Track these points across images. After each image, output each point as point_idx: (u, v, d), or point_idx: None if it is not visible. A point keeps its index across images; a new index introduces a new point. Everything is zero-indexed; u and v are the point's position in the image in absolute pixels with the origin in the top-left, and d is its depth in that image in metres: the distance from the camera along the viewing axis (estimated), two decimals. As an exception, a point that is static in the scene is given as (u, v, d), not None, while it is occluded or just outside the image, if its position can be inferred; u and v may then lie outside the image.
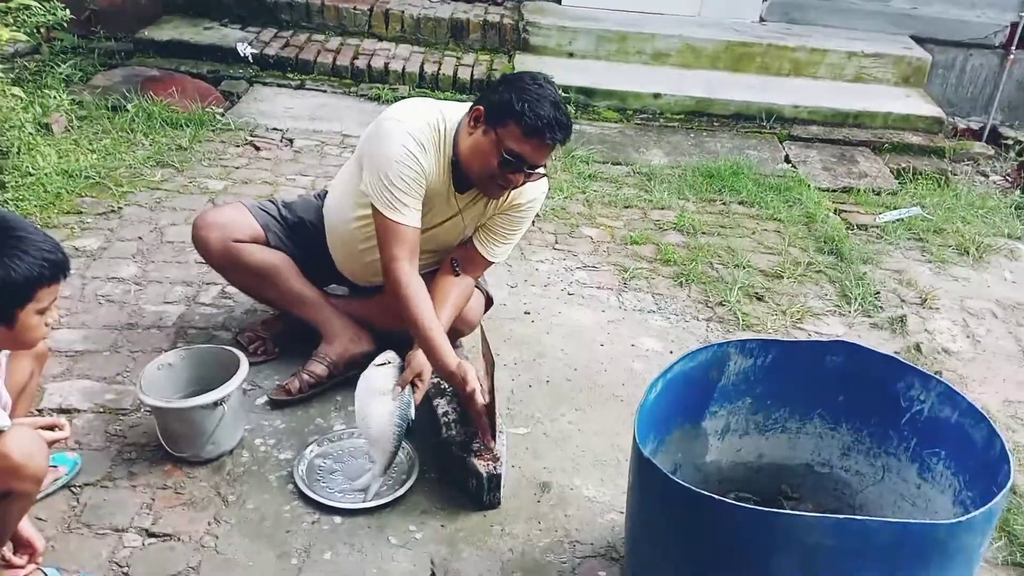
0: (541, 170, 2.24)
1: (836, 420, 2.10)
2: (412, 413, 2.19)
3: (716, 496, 1.54)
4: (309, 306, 2.59)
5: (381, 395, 2.18)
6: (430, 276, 2.54)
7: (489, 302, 2.72)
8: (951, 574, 1.56)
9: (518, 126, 2.11)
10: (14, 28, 3.89)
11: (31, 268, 1.62)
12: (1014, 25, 5.55)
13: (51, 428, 1.83)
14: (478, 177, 2.25)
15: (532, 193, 2.42)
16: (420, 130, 2.25)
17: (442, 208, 2.38)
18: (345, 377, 2.56)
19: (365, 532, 2.10)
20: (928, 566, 1.53)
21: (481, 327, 2.20)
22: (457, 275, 2.45)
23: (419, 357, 2.26)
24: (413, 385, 2.23)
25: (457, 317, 2.46)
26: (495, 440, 2.21)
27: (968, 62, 5.73)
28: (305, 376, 2.51)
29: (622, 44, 5.42)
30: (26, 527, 1.83)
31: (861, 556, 1.50)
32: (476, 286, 2.57)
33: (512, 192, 2.37)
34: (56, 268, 1.67)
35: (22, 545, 1.83)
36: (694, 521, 1.62)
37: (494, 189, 2.27)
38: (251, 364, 2.53)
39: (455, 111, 2.32)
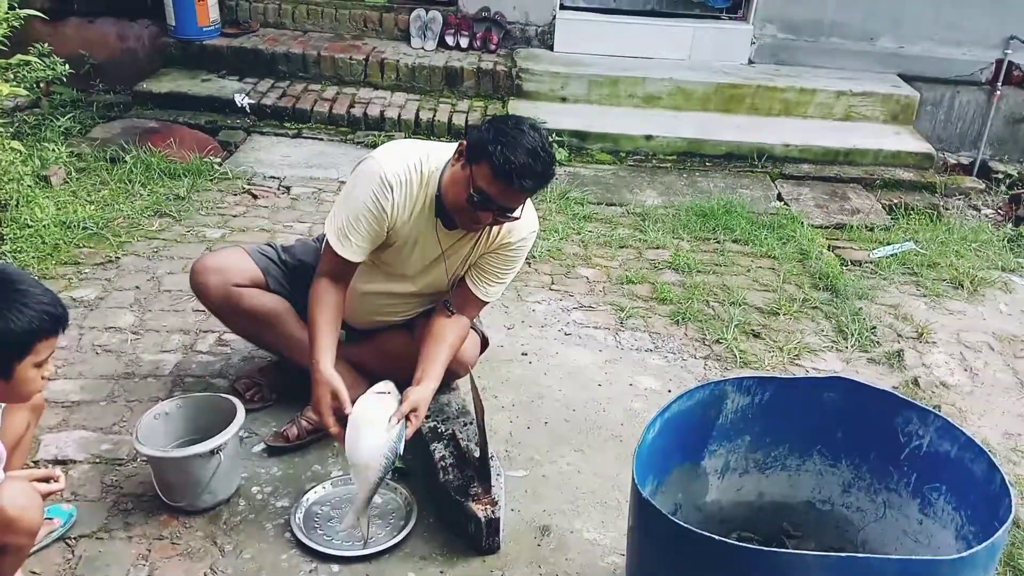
0: (517, 213, 2.24)
1: (836, 457, 2.09)
2: (401, 448, 2.15)
3: (717, 537, 1.53)
4: (304, 352, 2.58)
5: (373, 425, 2.13)
6: (424, 316, 2.56)
7: (485, 343, 2.72)
8: (956, 611, 1.54)
9: (489, 167, 2.12)
10: (14, 83, 3.95)
11: (31, 321, 1.63)
12: (999, 62, 5.64)
13: (46, 480, 1.82)
14: (451, 208, 2.27)
15: (521, 232, 2.43)
16: (394, 170, 2.28)
17: (427, 244, 2.40)
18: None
19: (364, 580, 2.08)
20: (932, 603, 1.52)
21: (471, 376, 2.20)
22: (451, 316, 2.46)
23: (417, 392, 2.26)
24: (408, 420, 2.21)
25: (453, 359, 2.46)
26: (490, 486, 2.20)
27: (956, 99, 5.81)
28: (303, 423, 2.50)
29: (613, 88, 5.50)
30: None
31: (864, 594, 1.48)
32: (472, 327, 2.57)
33: (501, 230, 2.39)
34: (55, 321, 1.69)
35: None
36: (695, 562, 1.61)
37: (467, 223, 2.28)
38: (247, 411, 2.53)
39: (444, 151, 2.34)
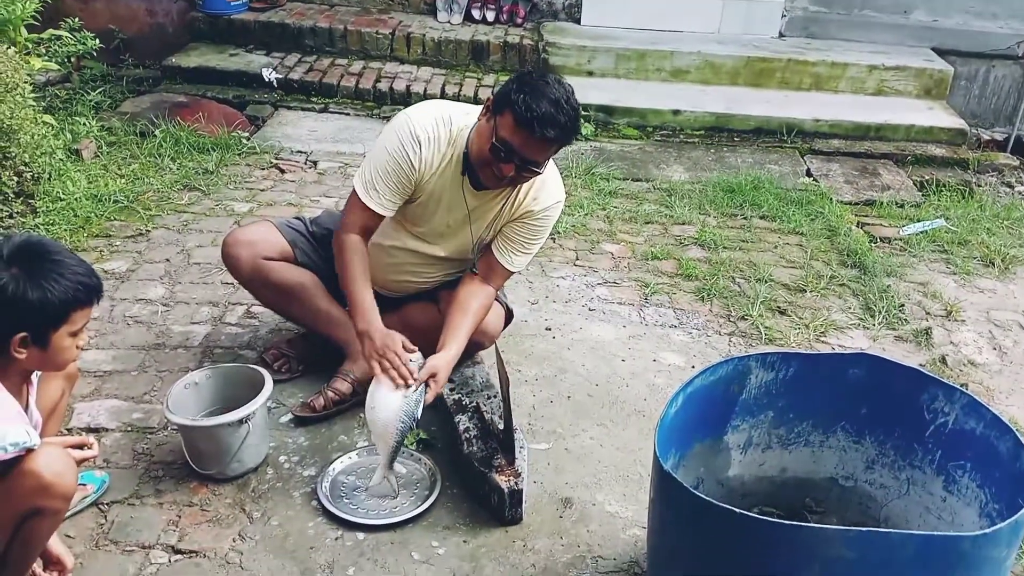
0: (541, 169, 2.24)
1: (860, 433, 2.08)
2: (419, 412, 2.19)
3: (737, 509, 1.53)
4: (335, 324, 2.62)
5: (393, 388, 2.18)
6: (451, 285, 2.58)
7: (509, 316, 2.73)
8: (977, 587, 1.54)
9: (512, 116, 2.13)
10: (46, 58, 4.00)
11: (67, 291, 1.67)
12: (1037, 35, 5.51)
13: (80, 447, 1.86)
14: (476, 162, 2.28)
15: (546, 201, 2.43)
16: (423, 124, 2.32)
17: (453, 202, 2.41)
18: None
19: (388, 548, 2.11)
20: (953, 579, 1.51)
21: (496, 347, 2.22)
22: (476, 283, 2.47)
23: (437, 358, 2.28)
24: (427, 386, 2.23)
25: (477, 329, 2.48)
26: (514, 457, 2.22)
27: (991, 73, 5.69)
28: (330, 393, 2.53)
29: (641, 62, 5.45)
30: (55, 544, 1.86)
31: (884, 569, 1.48)
32: (496, 299, 2.58)
33: (527, 197, 2.40)
34: (90, 291, 1.73)
35: (52, 562, 1.87)
36: (715, 534, 1.62)
37: (489, 177, 2.27)
38: (275, 382, 2.57)
39: (476, 112, 2.36)
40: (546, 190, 2.43)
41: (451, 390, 2.52)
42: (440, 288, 2.65)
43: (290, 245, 2.61)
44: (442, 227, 2.47)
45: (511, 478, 2.18)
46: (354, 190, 2.38)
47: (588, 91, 5.17)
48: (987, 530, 1.49)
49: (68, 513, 2.07)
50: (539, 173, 2.27)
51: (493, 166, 2.22)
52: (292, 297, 2.60)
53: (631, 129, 5.09)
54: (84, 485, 2.15)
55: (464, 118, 2.35)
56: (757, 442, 2.12)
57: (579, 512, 2.27)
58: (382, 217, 2.39)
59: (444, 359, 2.30)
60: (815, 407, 2.09)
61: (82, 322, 1.74)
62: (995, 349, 3.19)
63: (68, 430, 2.39)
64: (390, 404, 2.16)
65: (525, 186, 2.39)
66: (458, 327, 2.38)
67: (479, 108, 2.35)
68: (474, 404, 2.44)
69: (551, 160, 2.33)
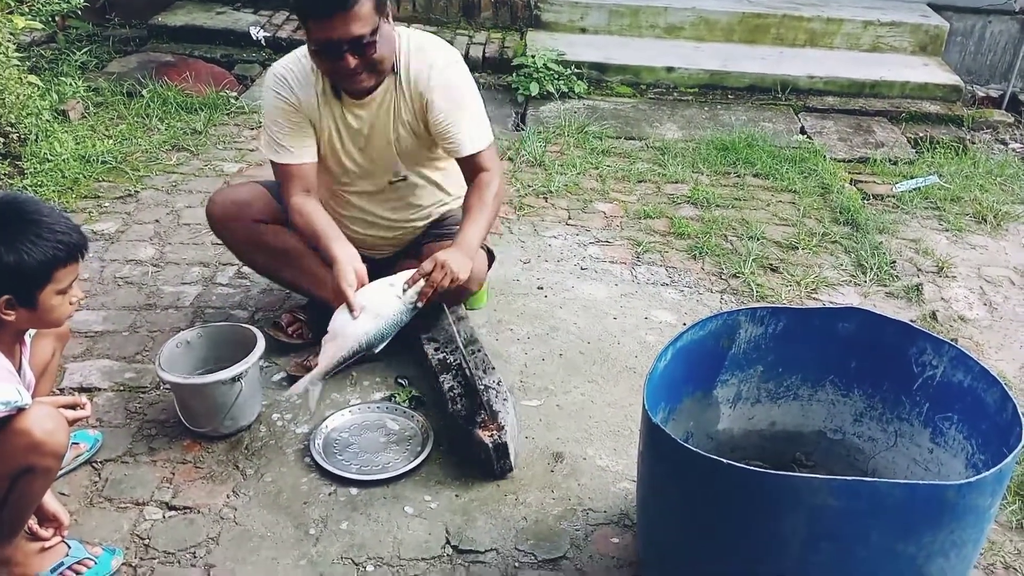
0: (369, 37, 2.14)
1: (848, 387, 2.10)
2: (389, 325, 2.15)
3: (724, 460, 1.55)
4: (326, 287, 2.59)
5: (367, 301, 2.15)
6: (432, 238, 2.56)
7: (491, 257, 2.68)
8: (961, 535, 1.56)
9: (303, 18, 2.15)
10: (30, 17, 3.93)
11: (45, 251, 1.65)
12: (1035, -10, 5.45)
13: (72, 407, 1.86)
14: (330, 80, 2.29)
15: (425, 68, 2.32)
16: (283, 65, 2.36)
17: (347, 129, 2.39)
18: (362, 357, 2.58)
19: (381, 503, 2.13)
20: (938, 527, 1.53)
21: (445, 310, 2.20)
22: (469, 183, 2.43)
23: (442, 252, 2.22)
24: (426, 279, 2.19)
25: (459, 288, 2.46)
26: (496, 412, 2.22)
27: (987, 29, 5.63)
28: None
29: (634, 18, 5.38)
30: (51, 501, 1.88)
31: (870, 517, 1.50)
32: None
33: (410, 85, 2.32)
34: (71, 249, 1.71)
35: (47, 519, 1.88)
36: (702, 485, 1.63)
37: (348, 80, 2.24)
38: (288, 346, 2.58)
39: None
40: (424, 65, 2.32)
41: (435, 349, 2.52)
42: (423, 242, 2.63)
43: (281, 207, 2.56)
44: (352, 157, 2.43)
45: (494, 432, 2.19)
46: (272, 162, 2.39)
47: (581, 48, 5.12)
48: (971, 479, 1.51)
49: (62, 472, 2.09)
50: (374, 41, 2.15)
51: (338, 71, 2.20)
52: (285, 261, 2.56)
53: (624, 87, 5.04)
54: (77, 444, 2.17)
55: None
56: (746, 396, 2.13)
57: (570, 466, 2.29)
58: (309, 167, 2.38)
59: (447, 253, 2.22)
60: (804, 361, 2.10)
61: (68, 279, 1.72)
62: (985, 305, 3.20)
63: (60, 390, 2.40)
64: (351, 327, 2.14)
65: (403, 78, 2.31)
66: (469, 207, 2.33)
67: None
68: (457, 362, 2.44)
69: (414, 32, 2.32)
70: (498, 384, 2.32)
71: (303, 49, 2.33)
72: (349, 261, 2.21)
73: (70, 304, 1.78)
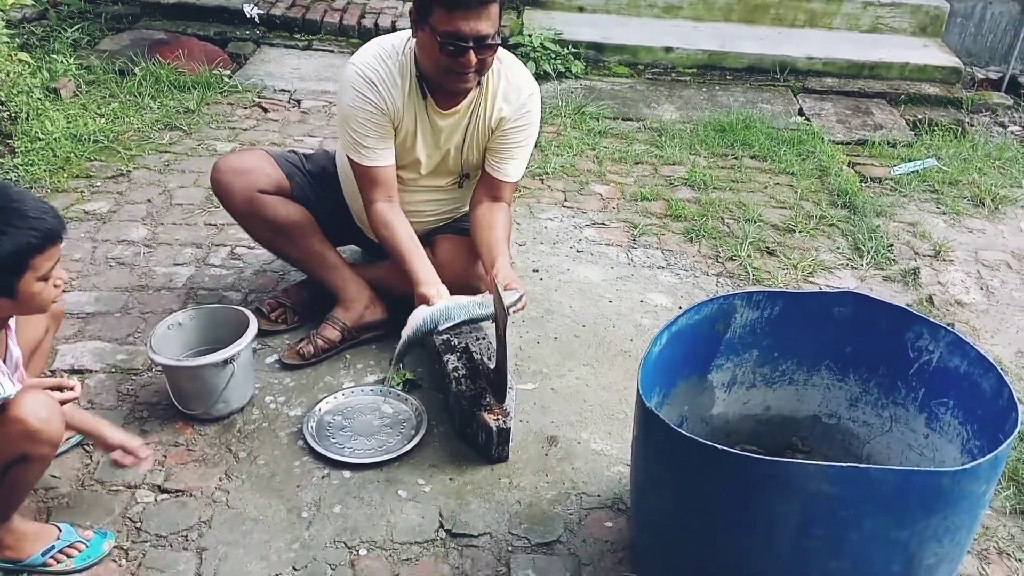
0: (495, 38, 2.15)
1: (844, 371, 2.09)
2: (454, 311, 2.18)
3: (718, 446, 1.54)
4: (327, 268, 2.58)
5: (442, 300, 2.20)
6: (449, 231, 2.57)
7: None
8: (955, 521, 1.56)
9: (439, 7, 2.07)
10: (20, -8, 3.88)
11: (17, 241, 1.61)
12: (1036, -30, 5.40)
13: (60, 389, 1.84)
14: (436, 77, 2.23)
15: (517, 99, 2.37)
16: (368, 65, 2.27)
17: (425, 132, 2.37)
18: (357, 341, 2.57)
19: (374, 486, 2.12)
20: (932, 514, 1.53)
21: (496, 287, 2.19)
22: (486, 202, 2.46)
23: (502, 270, 2.27)
24: (508, 289, 2.21)
25: (474, 274, 2.48)
26: (504, 398, 2.22)
27: (987, 10, 5.59)
28: (319, 341, 2.50)
29: (633, -3, 5.33)
30: (113, 434, 1.88)
31: (865, 504, 1.49)
32: None
33: (495, 106, 2.35)
34: (46, 235, 1.65)
35: (115, 449, 1.88)
36: (697, 471, 1.62)
37: (457, 80, 2.21)
38: (272, 332, 2.56)
39: (408, 34, 2.29)
40: (512, 86, 2.36)
41: (437, 333, 2.50)
42: (441, 231, 2.64)
43: (287, 178, 2.53)
44: (423, 158, 2.42)
45: (500, 417, 2.18)
46: (351, 161, 2.35)
47: (579, 27, 5.08)
48: (966, 465, 1.50)
49: (58, 453, 2.07)
50: (498, 45, 2.18)
51: (453, 68, 2.16)
52: (286, 235, 2.53)
53: (622, 67, 5.00)
54: None
55: (404, 44, 2.29)
56: (741, 380, 2.12)
57: (564, 450, 2.28)
58: (391, 170, 2.36)
59: (506, 269, 2.29)
60: (800, 346, 2.08)
61: (47, 265, 1.67)
62: (982, 289, 3.19)
63: (52, 371, 2.38)
64: (419, 312, 2.19)
65: (489, 94, 2.33)
66: (498, 240, 2.37)
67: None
68: (463, 344, 2.43)
69: (507, 52, 2.27)
70: (509, 371, 2.29)
71: (382, 47, 2.29)
72: (433, 282, 2.24)
73: (55, 287, 1.74)
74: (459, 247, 2.54)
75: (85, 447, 2.16)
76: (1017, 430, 1.58)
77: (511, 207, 2.54)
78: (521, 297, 2.24)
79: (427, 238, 2.60)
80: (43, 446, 1.68)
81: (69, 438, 2.14)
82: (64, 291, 1.83)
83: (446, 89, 2.28)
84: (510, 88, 2.37)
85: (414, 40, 2.23)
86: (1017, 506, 2.20)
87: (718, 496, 1.61)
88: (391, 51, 2.28)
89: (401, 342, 2.19)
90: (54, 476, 2.06)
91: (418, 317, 2.18)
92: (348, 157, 2.37)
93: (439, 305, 2.19)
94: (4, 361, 1.75)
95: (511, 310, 2.21)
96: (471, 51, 2.12)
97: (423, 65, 2.24)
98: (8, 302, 1.68)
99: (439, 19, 2.08)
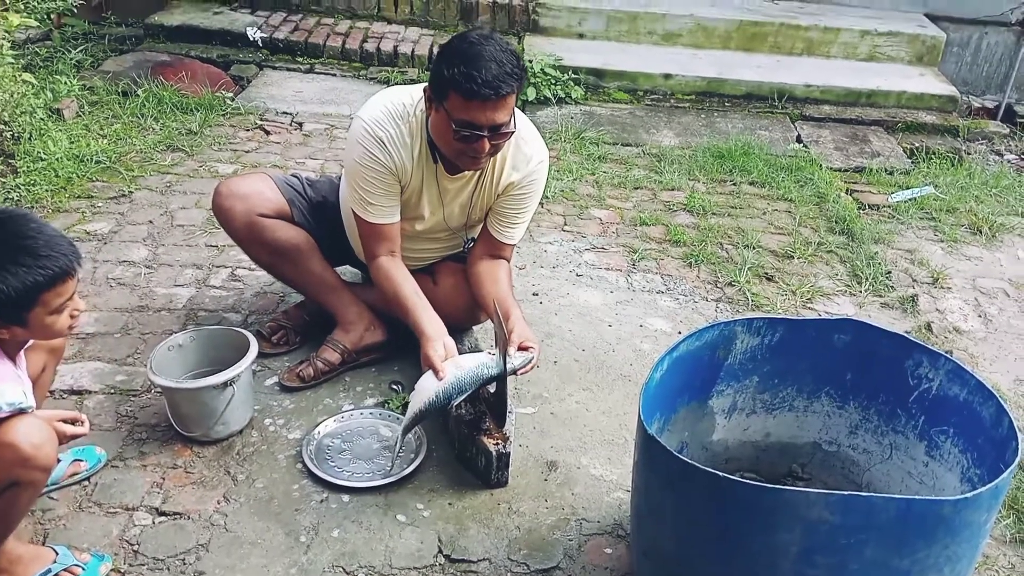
0: (511, 126, 2.15)
1: (844, 399, 2.09)
2: (466, 383, 2.14)
3: (720, 473, 1.54)
4: (327, 290, 2.58)
5: (453, 363, 2.16)
6: (452, 260, 2.59)
7: None
8: (956, 550, 1.55)
9: (457, 94, 2.04)
10: (25, 14, 3.91)
11: (25, 279, 1.62)
12: (1031, 2, 5.47)
13: (72, 422, 1.83)
14: (450, 156, 2.22)
15: (526, 167, 2.37)
16: (377, 122, 2.24)
17: (431, 193, 2.38)
18: (357, 363, 2.57)
19: (373, 510, 2.11)
20: (932, 543, 1.52)
21: (496, 310, 2.20)
22: (487, 259, 2.47)
23: (518, 325, 2.26)
24: (523, 350, 2.22)
25: (475, 307, 2.50)
26: (504, 423, 2.21)
27: (983, 40, 5.65)
28: (319, 364, 2.50)
29: (632, 24, 5.39)
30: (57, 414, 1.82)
31: (865, 532, 1.49)
32: None
33: (504, 171, 2.36)
34: (56, 274, 1.66)
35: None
36: (699, 498, 1.62)
37: (470, 162, 2.21)
38: (273, 355, 2.57)
39: (420, 91, 2.27)
40: (522, 155, 2.36)
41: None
42: (436, 263, 2.65)
43: (288, 203, 2.54)
44: (427, 215, 2.43)
45: (500, 441, 2.17)
46: (355, 214, 2.35)
47: (578, 53, 5.13)
48: (968, 494, 1.50)
49: (57, 487, 2.07)
50: (513, 131, 2.18)
51: (467, 152, 2.15)
52: (286, 258, 2.53)
53: (621, 93, 5.04)
54: (80, 460, 2.13)
55: (416, 103, 2.26)
56: (742, 407, 2.12)
57: (564, 475, 2.28)
58: (396, 227, 2.37)
59: (520, 324, 2.29)
60: (800, 372, 2.09)
61: (58, 300, 1.68)
62: (980, 316, 3.20)
63: (51, 392, 2.37)
64: (428, 383, 2.15)
65: (499, 159, 2.33)
66: (506, 294, 2.38)
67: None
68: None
69: (520, 115, 2.24)
70: (509, 395, 2.29)
71: (392, 104, 2.26)
72: (439, 336, 2.22)
73: (71, 317, 1.75)
74: (462, 281, 2.54)
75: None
76: (1018, 458, 1.58)
77: (510, 263, 2.55)
78: (532, 359, 2.23)
79: (428, 269, 2.62)
80: (34, 472, 1.67)
81: (75, 474, 2.12)
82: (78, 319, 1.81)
83: (462, 167, 2.28)
84: (520, 156, 2.36)
85: (425, 107, 2.21)
86: (1017, 535, 2.20)
87: (720, 523, 1.60)
88: (402, 111, 2.26)
89: (410, 414, 2.15)
90: (51, 498, 2.06)
91: (429, 391, 2.14)
92: (352, 211, 2.37)
93: (451, 379, 2.13)
94: None
95: (520, 372, 2.22)
96: (484, 139, 2.11)
97: (435, 140, 2.22)
98: (22, 331, 1.70)
99: (455, 105, 2.06)
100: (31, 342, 1.84)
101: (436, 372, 2.14)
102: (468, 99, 2.03)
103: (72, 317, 1.75)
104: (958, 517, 1.51)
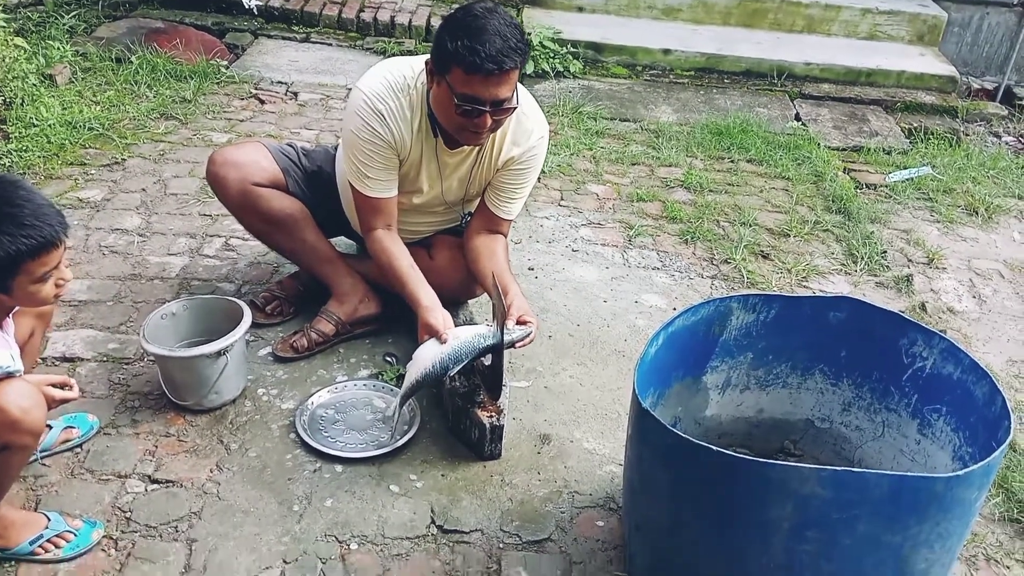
0: (514, 101, 2.13)
1: (837, 376, 2.09)
2: (463, 353, 2.14)
3: (713, 447, 1.54)
4: (322, 261, 2.57)
5: (451, 335, 2.16)
6: (447, 234, 2.58)
7: None
8: (947, 527, 1.56)
9: (459, 68, 2.01)
10: (16, -23, 3.86)
11: (7, 247, 1.59)
12: (1033, -18, 5.44)
13: (61, 386, 1.82)
14: (451, 130, 2.19)
15: (526, 141, 2.35)
16: (377, 95, 2.21)
17: (431, 166, 2.36)
18: (351, 335, 2.56)
19: (366, 480, 2.11)
20: (924, 519, 1.53)
21: (495, 283, 2.19)
22: (484, 234, 2.46)
23: (517, 300, 2.27)
24: (521, 324, 2.23)
25: (472, 281, 2.49)
26: (499, 396, 2.21)
27: (984, 21, 5.62)
28: (313, 334, 2.50)
29: (632, -2, 5.34)
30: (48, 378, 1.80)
31: (857, 507, 1.50)
32: None
33: (504, 145, 2.34)
34: (40, 244, 1.63)
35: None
36: (690, 471, 1.63)
37: (471, 137, 2.19)
38: (267, 325, 2.56)
39: (421, 63, 2.23)
40: (522, 130, 2.34)
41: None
42: (433, 236, 2.63)
43: (282, 172, 2.52)
44: (426, 189, 2.41)
45: (493, 414, 2.17)
46: (353, 187, 2.33)
47: (578, 27, 5.08)
48: (960, 472, 1.50)
49: (49, 453, 2.07)
50: (515, 107, 2.16)
51: (468, 126, 2.12)
52: (280, 228, 2.51)
53: (620, 68, 5.01)
54: (72, 427, 2.12)
55: (417, 76, 2.23)
56: (735, 383, 2.13)
57: (557, 448, 2.28)
58: (393, 201, 2.34)
59: (519, 299, 2.29)
60: (794, 349, 2.09)
61: (42, 269, 1.66)
62: (975, 297, 3.21)
63: (43, 359, 2.36)
64: (427, 353, 2.15)
65: (499, 133, 2.30)
66: (503, 269, 2.38)
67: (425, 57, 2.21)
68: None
69: (522, 90, 2.22)
70: (504, 368, 2.29)
71: (392, 75, 2.22)
72: (437, 307, 2.23)
73: (56, 286, 1.73)
74: (458, 254, 2.53)
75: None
76: (1010, 438, 1.58)
77: (507, 238, 2.54)
78: (530, 333, 2.24)
79: (424, 242, 2.60)
80: (24, 435, 1.66)
81: (67, 440, 2.11)
82: (63, 289, 1.79)
83: (459, 139, 2.25)
84: (520, 131, 2.33)
85: (427, 80, 2.18)
86: (1006, 513, 2.21)
87: (712, 497, 1.61)
88: (402, 83, 2.22)
89: (407, 383, 2.16)
90: (44, 464, 2.05)
91: (427, 359, 2.14)
92: (350, 183, 2.35)
93: (448, 349, 2.13)
94: None
95: (518, 345, 2.22)
96: (487, 114, 2.08)
97: (436, 114, 2.19)
98: (6, 297, 1.68)
99: (457, 79, 2.03)
100: (18, 308, 1.83)
101: (439, 336, 2.14)
102: (471, 73, 2.00)
103: (58, 286, 1.73)
104: (950, 494, 1.52)
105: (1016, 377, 2.78)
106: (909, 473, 1.66)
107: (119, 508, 1.97)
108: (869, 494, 1.49)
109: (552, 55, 4.78)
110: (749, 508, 1.57)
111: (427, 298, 2.25)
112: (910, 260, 3.39)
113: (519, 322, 2.23)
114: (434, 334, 2.16)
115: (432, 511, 2.05)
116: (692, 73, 5.05)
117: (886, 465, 2.03)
